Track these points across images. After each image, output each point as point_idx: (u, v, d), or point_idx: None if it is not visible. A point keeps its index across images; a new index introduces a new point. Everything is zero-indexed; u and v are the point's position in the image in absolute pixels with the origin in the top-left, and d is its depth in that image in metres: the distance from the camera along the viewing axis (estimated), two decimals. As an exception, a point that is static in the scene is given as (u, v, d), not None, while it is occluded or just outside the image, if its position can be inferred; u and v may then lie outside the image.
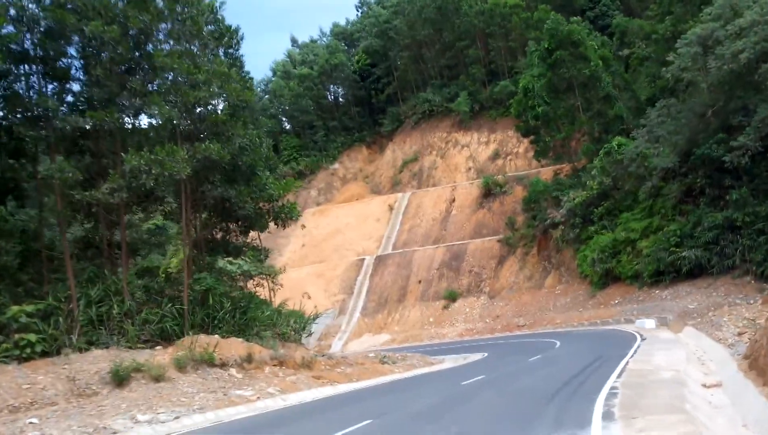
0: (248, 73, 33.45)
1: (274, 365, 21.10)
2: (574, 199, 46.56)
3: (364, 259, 63.69)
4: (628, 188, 43.67)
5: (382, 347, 51.32)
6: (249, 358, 20.39)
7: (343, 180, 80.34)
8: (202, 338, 20.53)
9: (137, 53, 22.36)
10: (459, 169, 71.00)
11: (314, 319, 30.13)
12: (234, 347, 20.67)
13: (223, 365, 19.69)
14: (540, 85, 50.22)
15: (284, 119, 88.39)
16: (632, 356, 20.63)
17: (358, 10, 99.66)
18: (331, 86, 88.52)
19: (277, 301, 60.38)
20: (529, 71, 54.27)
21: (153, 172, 19.87)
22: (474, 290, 54.48)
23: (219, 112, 24.25)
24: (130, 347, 19.96)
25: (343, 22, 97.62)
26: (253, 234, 29.75)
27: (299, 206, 76.94)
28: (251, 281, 28.47)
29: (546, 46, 49.91)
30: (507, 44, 71.46)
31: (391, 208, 68.96)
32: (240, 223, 28.06)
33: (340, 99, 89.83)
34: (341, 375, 22.97)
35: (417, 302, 56.27)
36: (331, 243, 68.99)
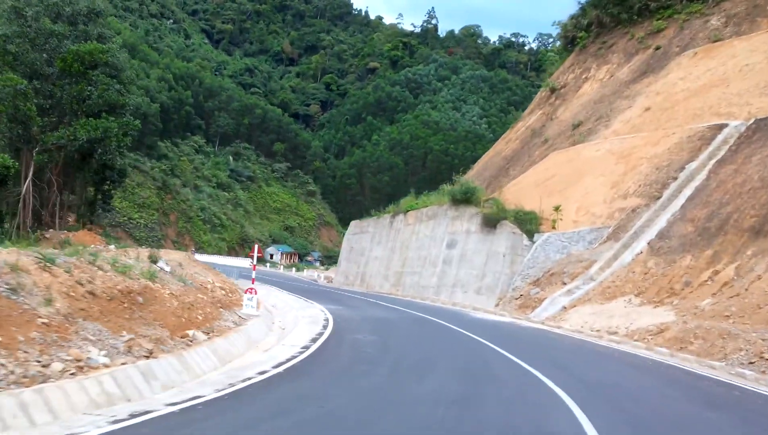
0: None
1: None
2: None
3: (724, 126, 26.07)
4: None
5: (642, 349, 17.21)
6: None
7: (788, 1, 38.75)
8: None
9: None
10: None
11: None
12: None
13: None
14: None
15: None
16: None
17: None
18: None
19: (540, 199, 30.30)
20: None
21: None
22: None
23: None
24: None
25: None
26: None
27: (674, 45, 40.68)
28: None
29: None
30: None
31: None
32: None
33: None
34: None
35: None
36: (694, 105, 32.15)
